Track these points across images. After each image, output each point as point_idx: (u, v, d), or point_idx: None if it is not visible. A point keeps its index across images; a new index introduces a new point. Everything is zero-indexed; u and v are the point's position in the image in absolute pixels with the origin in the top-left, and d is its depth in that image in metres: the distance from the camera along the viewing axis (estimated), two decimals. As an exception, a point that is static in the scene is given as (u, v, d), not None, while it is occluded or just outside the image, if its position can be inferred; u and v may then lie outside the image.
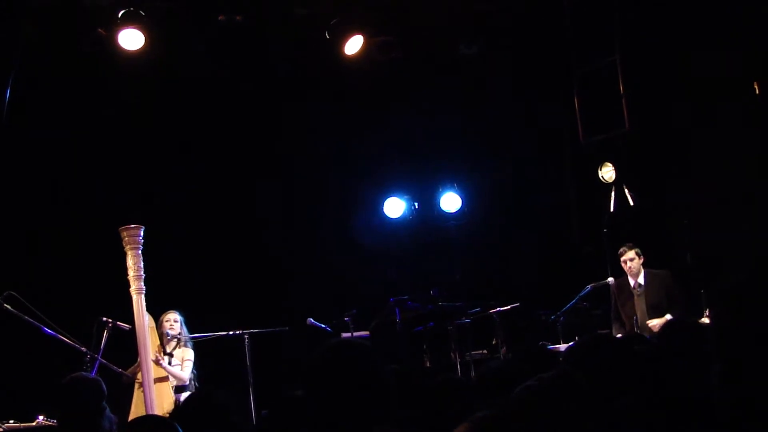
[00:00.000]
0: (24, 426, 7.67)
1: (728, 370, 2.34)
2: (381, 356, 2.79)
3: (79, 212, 9.87)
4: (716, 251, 9.86)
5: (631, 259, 9.51)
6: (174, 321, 8.83)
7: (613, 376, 3.07)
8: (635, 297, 9.51)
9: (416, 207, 11.51)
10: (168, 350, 8.68)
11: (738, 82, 9.74)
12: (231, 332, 9.07)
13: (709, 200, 10.11)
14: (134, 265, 7.67)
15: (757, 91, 9.58)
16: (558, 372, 2.61)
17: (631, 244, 9.57)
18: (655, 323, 9.08)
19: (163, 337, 8.79)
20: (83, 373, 6.55)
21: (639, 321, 9.34)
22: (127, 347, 8.08)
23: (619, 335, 8.98)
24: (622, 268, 9.64)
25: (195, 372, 8.90)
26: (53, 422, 7.89)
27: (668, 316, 9.01)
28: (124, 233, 7.72)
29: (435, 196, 11.73)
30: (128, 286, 7.72)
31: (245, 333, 9.04)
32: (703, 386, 2.80)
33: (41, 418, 7.66)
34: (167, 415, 4.59)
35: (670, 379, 3.05)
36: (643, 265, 9.57)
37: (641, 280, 9.53)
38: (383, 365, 2.76)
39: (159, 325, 8.80)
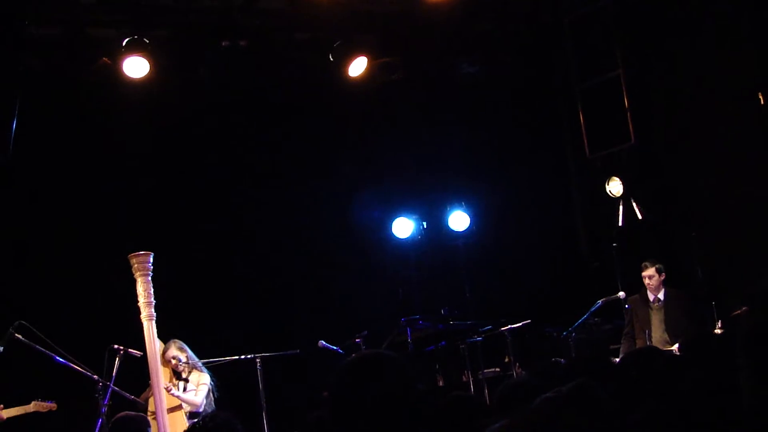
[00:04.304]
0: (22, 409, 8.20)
1: (758, 375, 2.33)
2: (413, 370, 2.71)
3: (88, 240, 9.87)
4: (725, 263, 9.84)
5: (650, 276, 9.45)
6: (172, 357, 8.74)
7: (632, 388, 3.06)
8: (653, 311, 9.47)
9: (425, 227, 11.52)
10: (183, 376, 8.64)
11: (743, 92, 9.75)
12: (243, 356, 9.06)
13: (717, 212, 10.10)
14: (144, 292, 7.65)
15: (762, 102, 9.58)
16: (576, 384, 2.60)
17: (653, 261, 9.48)
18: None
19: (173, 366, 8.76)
20: (128, 412, 6.57)
21: (652, 334, 9.30)
22: (139, 374, 8.07)
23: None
24: (632, 283, 9.62)
25: (216, 395, 8.85)
26: (50, 403, 8.18)
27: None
28: (134, 260, 7.70)
29: (443, 215, 11.72)
30: (139, 312, 7.70)
31: (257, 357, 9.03)
32: (724, 398, 2.79)
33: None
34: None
35: (689, 390, 3.04)
36: (664, 283, 9.50)
37: (661, 296, 9.48)
38: (415, 379, 2.69)
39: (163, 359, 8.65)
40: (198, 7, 9.73)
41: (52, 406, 8.61)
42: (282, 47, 10.43)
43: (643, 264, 9.53)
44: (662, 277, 9.46)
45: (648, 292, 9.53)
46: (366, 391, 2.59)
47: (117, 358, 8.03)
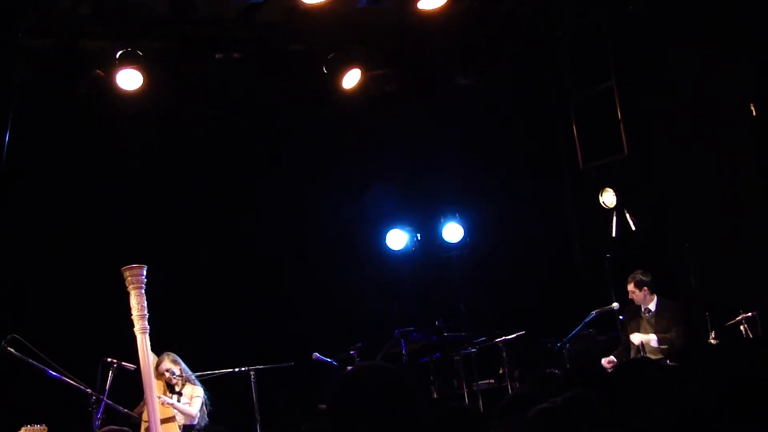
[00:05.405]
0: None
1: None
2: (413, 382, 2.69)
3: (80, 253, 9.84)
4: (719, 273, 9.84)
5: (631, 291, 9.46)
6: (166, 370, 8.73)
7: (626, 398, 3.06)
8: (644, 321, 9.47)
9: (419, 238, 11.52)
10: (177, 389, 8.62)
11: (735, 103, 9.77)
12: (237, 369, 9.03)
13: (711, 222, 10.11)
14: (138, 305, 7.62)
15: (754, 113, 9.60)
16: (571, 395, 2.59)
17: (634, 275, 9.46)
18: (645, 338, 9.11)
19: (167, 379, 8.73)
20: (112, 427, 6.53)
21: (644, 344, 9.28)
22: (132, 387, 8.03)
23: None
24: (626, 293, 9.61)
25: (210, 408, 8.82)
26: (40, 426, 8.11)
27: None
28: (127, 273, 7.67)
29: (437, 227, 11.72)
30: (132, 325, 7.67)
31: (251, 369, 9.00)
32: (719, 407, 2.79)
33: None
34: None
35: (686, 399, 3.03)
36: (654, 293, 9.47)
37: (652, 306, 9.45)
38: (415, 392, 2.67)
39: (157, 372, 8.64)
40: (192, 19, 9.72)
41: (43, 429, 8.52)
42: (277, 59, 10.42)
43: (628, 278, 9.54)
44: (645, 291, 9.41)
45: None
46: (365, 403, 2.58)
47: (110, 372, 8.01)
